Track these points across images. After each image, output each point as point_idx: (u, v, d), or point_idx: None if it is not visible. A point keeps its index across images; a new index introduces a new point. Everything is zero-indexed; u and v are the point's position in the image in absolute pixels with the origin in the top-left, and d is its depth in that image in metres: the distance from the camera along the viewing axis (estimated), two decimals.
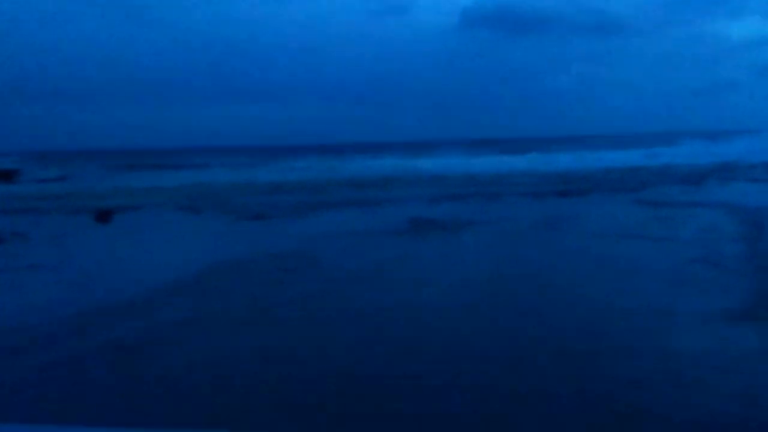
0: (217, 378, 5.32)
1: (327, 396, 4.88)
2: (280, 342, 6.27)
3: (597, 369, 5.25)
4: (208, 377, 5.37)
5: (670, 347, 5.67)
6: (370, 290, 8.32)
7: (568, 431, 4.21)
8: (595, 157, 39.04)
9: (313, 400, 4.81)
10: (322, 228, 14.35)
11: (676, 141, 47.94)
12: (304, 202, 19.73)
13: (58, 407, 4.81)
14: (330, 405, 4.72)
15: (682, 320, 6.49)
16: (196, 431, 4.24)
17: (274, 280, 9.01)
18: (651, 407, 4.46)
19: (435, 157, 44.86)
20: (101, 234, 15.10)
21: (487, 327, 6.54)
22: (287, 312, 7.36)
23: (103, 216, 16.96)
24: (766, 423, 4.28)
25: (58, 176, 39.38)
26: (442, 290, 8.21)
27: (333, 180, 27.69)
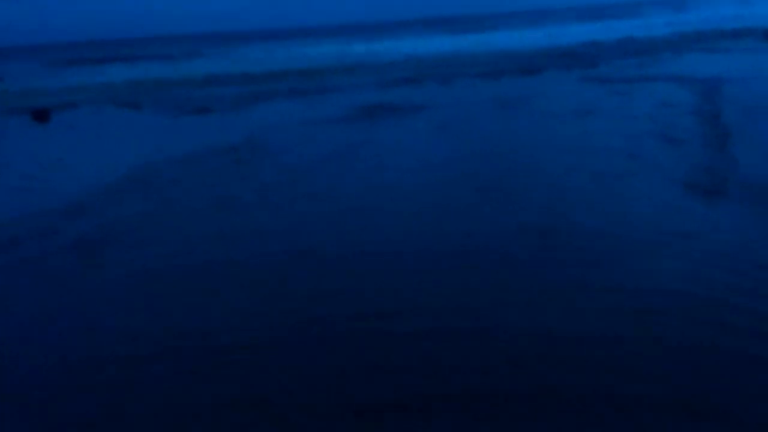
0: (183, 262, 5.53)
1: (290, 270, 5.21)
2: (243, 227, 6.48)
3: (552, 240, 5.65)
4: (174, 263, 5.55)
5: (614, 206, 6.22)
6: (327, 176, 8.50)
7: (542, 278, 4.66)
8: (552, 32, 38.52)
9: (276, 277, 5.12)
10: (271, 118, 14.19)
11: (638, 11, 47.57)
12: (247, 93, 19.21)
13: (41, 297, 4.97)
14: (294, 278, 5.06)
15: (625, 186, 6.95)
16: None
17: (230, 172, 9.03)
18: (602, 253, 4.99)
19: (377, 41, 43.44)
20: (40, 134, 14.54)
21: (446, 202, 6.87)
22: (247, 200, 7.49)
23: (41, 115, 16.24)
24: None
25: None
26: (399, 171, 8.45)
27: (276, 69, 26.68)
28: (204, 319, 4.49)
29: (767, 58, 19.01)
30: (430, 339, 3.99)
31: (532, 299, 4.45)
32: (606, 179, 7.27)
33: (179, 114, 15.90)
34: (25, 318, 4.76)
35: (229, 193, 7.90)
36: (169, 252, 5.93)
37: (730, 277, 4.56)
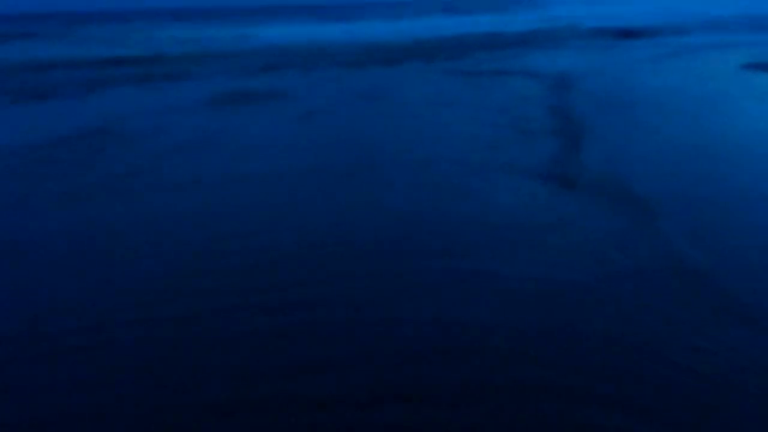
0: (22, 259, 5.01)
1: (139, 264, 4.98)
2: (93, 222, 6.11)
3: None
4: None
5: (470, 195, 6.61)
6: (177, 167, 8.24)
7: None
8: (417, 25, 39.45)
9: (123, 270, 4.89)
10: (120, 106, 13.30)
11: (509, 8, 49.89)
12: (93, 78, 17.71)
13: None
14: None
15: (478, 176, 7.36)
16: None
17: (82, 161, 8.28)
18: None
19: (238, 26, 42.12)
20: None
21: (307, 191, 6.91)
22: (91, 193, 6.90)
23: None
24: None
25: None
26: (257, 160, 8.38)
27: (127, 54, 24.90)
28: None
29: (617, 54, 20.73)
30: (309, 332, 3.97)
31: (406, 288, 4.57)
32: (461, 168, 7.60)
33: (15, 100, 14.29)
34: None
35: (74, 187, 7.25)
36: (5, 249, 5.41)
37: (587, 265, 4.92)
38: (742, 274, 4.67)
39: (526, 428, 3.09)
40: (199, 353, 3.79)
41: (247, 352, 3.79)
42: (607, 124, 9.88)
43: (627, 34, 28.45)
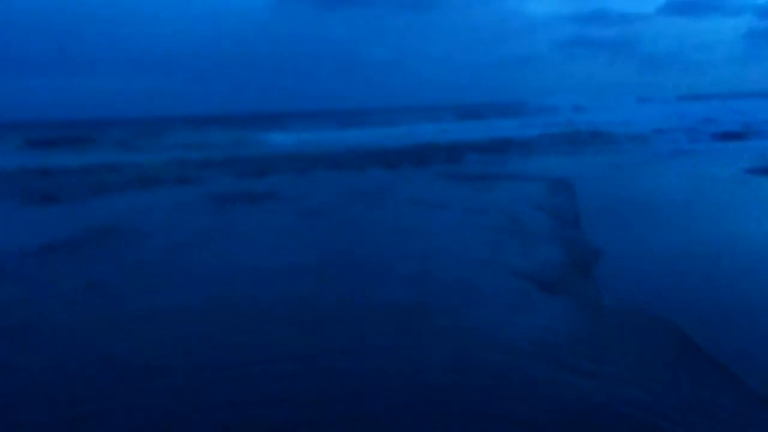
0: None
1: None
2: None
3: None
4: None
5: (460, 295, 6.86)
6: (190, 257, 8.63)
7: None
8: (413, 130, 41.09)
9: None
10: (124, 208, 13.85)
11: (509, 113, 51.98)
12: (95, 182, 18.57)
13: None
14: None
15: (469, 276, 7.65)
16: None
17: (95, 256, 8.99)
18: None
19: (237, 130, 44.00)
20: None
21: (305, 284, 7.23)
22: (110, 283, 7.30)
23: None
24: None
25: None
26: (256, 254, 8.72)
27: (135, 161, 26.03)
28: None
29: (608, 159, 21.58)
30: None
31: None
32: (453, 267, 7.86)
33: (25, 202, 15.08)
34: None
35: (88, 279, 7.69)
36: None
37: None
38: None
39: None
40: None
41: None
42: (604, 229, 10.05)
43: (638, 137, 29.68)
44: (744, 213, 11.28)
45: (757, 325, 5.63)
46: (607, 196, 13.70)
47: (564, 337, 5.40)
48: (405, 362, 4.99)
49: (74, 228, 11.46)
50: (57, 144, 39.73)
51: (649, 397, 4.22)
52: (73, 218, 12.91)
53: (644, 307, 6.07)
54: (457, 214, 11.78)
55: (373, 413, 4.20)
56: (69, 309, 6.71)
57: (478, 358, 5.04)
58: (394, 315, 6.13)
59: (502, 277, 7.34)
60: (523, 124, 42.91)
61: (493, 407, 4.20)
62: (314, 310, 6.40)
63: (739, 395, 4.27)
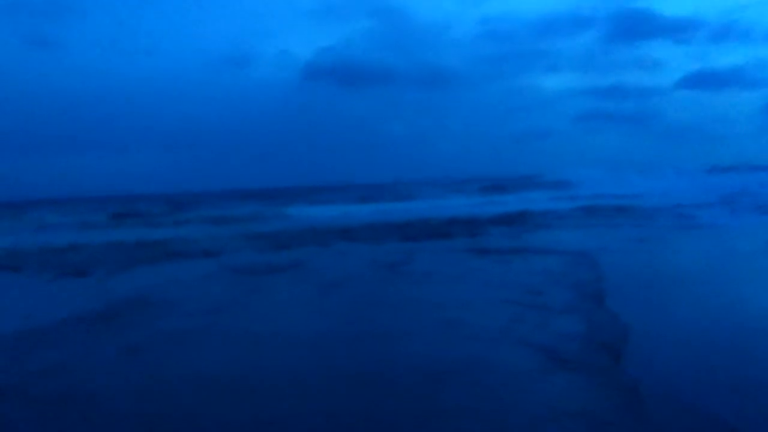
0: None
1: None
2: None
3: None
4: None
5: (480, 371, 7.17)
6: (216, 324, 9.04)
7: None
8: (434, 204, 41.72)
9: None
10: (157, 279, 14.50)
11: (504, 188, 52.70)
12: (126, 257, 19.21)
13: None
14: None
15: (490, 350, 7.98)
16: None
17: (132, 323, 9.39)
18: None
19: (266, 204, 45.09)
20: None
21: (332, 351, 7.63)
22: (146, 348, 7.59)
23: None
24: None
25: None
26: (277, 324, 9.12)
27: (156, 238, 26.81)
28: None
29: (636, 233, 21.66)
30: None
31: None
32: (476, 340, 8.13)
33: (56, 277, 15.68)
34: None
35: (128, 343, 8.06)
36: None
37: None
38: None
39: None
40: None
41: None
42: (623, 303, 10.16)
43: (650, 210, 29.81)
44: None
45: None
46: (637, 270, 13.53)
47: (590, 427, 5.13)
48: None
49: (105, 300, 12.05)
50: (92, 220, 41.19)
51: None
52: (104, 291, 13.44)
53: (684, 397, 5.66)
54: (477, 288, 12.03)
55: None
56: (107, 374, 7.21)
57: None
58: (404, 391, 6.34)
59: (522, 353, 7.45)
60: (544, 198, 43.43)
61: None
62: (330, 379, 6.75)
63: None
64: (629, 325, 8.39)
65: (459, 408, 5.81)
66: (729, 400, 5.56)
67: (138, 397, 6.44)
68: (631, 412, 5.46)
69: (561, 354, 7.28)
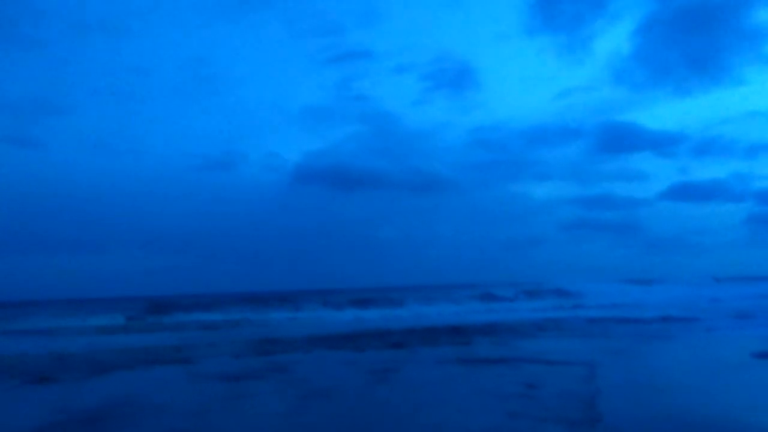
0: None
1: None
2: None
3: None
4: None
5: None
6: None
7: None
8: (423, 312, 41.37)
9: None
10: (125, 388, 13.77)
11: (493, 296, 52.51)
12: (98, 360, 18.61)
13: None
14: None
15: None
16: None
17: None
18: None
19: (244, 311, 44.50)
20: None
21: None
22: None
23: None
24: None
25: None
26: None
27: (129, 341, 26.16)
28: None
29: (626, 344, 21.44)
30: None
31: None
32: None
33: (24, 383, 15.03)
34: None
35: None
36: None
37: None
38: None
39: None
40: None
41: None
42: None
43: (643, 321, 29.67)
44: None
45: None
46: (626, 380, 13.44)
47: None
48: None
49: (72, 408, 11.50)
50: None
51: None
52: (73, 398, 12.81)
53: None
54: (462, 397, 11.71)
55: None
56: None
57: None
58: None
59: None
60: (531, 307, 43.20)
61: None
62: None
63: None
64: None
65: None
66: None
67: None
68: None
69: None
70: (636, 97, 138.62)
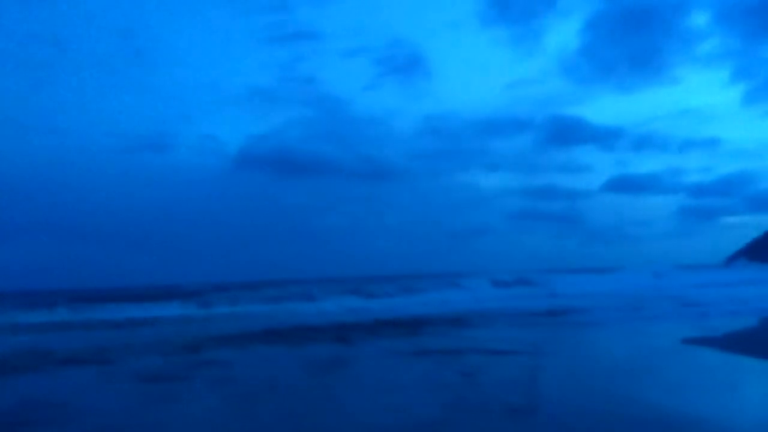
0: None
1: None
2: None
3: None
4: None
5: None
6: None
7: None
8: (360, 304, 41.05)
9: None
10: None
11: (438, 286, 52.35)
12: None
13: None
14: None
15: None
16: None
17: None
18: None
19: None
20: None
21: None
22: None
23: None
24: None
25: None
26: None
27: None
28: None
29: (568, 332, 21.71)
30: None
31: None
32: None
33: None
34: None
35: None
36: None
37: None
38: None
39: None
40: None
41: None
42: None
43: (588, 309, 30.24)
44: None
45: None
46: (565, 367, 13.70)
47: None
48: None
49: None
50: None
51: None
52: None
53: None
54: (402, 390, 11.48)
55: None
56: None
57: None
58: None
59: None
60: (478, 297, 43.53)
61: None
62: None
63: None
64: None
65: None
66: None
67: None
68: None
69: None
70: (582, 91, 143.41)
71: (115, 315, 36.96)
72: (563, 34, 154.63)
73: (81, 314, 38.23)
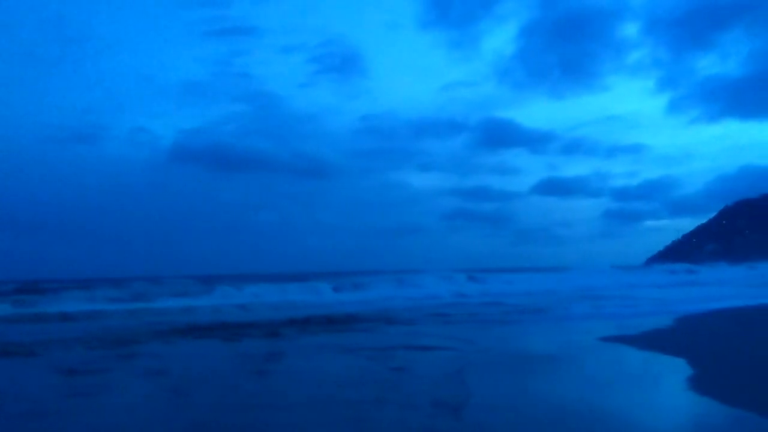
0: None
1: None
2: None
3: None
4: None
5: None
6: None
7: None
8: (291, 300, 40.77)
9: None
10: None
11: (370, 284, 52.51)
12: None
13: None
14: None
15: None
16: None
17: None
18: None
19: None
20: None
21: None
22: None
23: None
24: None
25: None
26: None
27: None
28: None
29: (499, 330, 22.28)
30: None
31: None
32: None
33: None
34: None
35: None
36: None
37: None
38: None
39: None
40: None
41: None
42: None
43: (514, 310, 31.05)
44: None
45: None
46: (490, 363, 14.15)
47: None
48: None
49: None
50: None
51: None
52: None
53: None
54: (329, 386, 11.65)
55: None
56: None
57: None
58: None
59: None
60: (408, 296, 43.93)
61: None
62: None
63: None
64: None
65: None
66: None
67: None
68: None
69: None
70: (515, 95, 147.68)
71: (38, 308, 35.40)
72: (499, 39, 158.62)
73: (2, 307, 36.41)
